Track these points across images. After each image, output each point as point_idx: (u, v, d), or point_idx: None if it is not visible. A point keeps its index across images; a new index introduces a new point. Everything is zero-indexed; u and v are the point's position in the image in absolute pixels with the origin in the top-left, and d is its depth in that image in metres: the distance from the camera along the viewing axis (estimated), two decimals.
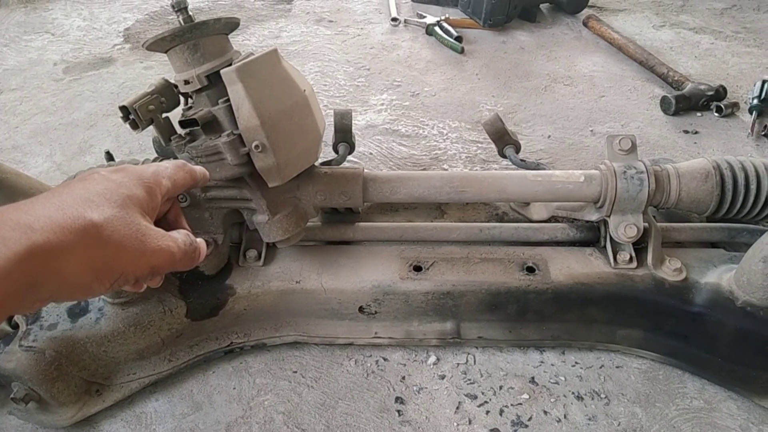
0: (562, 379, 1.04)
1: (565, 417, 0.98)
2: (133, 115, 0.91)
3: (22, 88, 2.00)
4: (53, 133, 1.75)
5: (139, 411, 1.01)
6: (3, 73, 2.10)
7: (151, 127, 0.94)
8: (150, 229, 0.52)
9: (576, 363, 1.06)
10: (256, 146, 0.87)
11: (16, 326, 0.99)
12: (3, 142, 1.72)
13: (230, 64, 0.88)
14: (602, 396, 1.01)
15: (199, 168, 0.64)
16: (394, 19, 2.38)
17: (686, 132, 1.70)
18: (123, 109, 0.91)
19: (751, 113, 1.70)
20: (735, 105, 1.77)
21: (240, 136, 0.87)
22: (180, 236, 0.55)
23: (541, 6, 2.43)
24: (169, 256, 0.53)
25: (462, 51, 2.13)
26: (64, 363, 0.96)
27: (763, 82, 1.71)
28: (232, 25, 0.94)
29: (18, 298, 0.43)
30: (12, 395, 0.92)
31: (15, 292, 0.42)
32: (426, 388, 1.03)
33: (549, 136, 1.68)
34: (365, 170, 1.07)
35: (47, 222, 0.45)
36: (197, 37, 0.88)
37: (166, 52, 0.91)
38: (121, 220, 0.49)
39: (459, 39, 2.18)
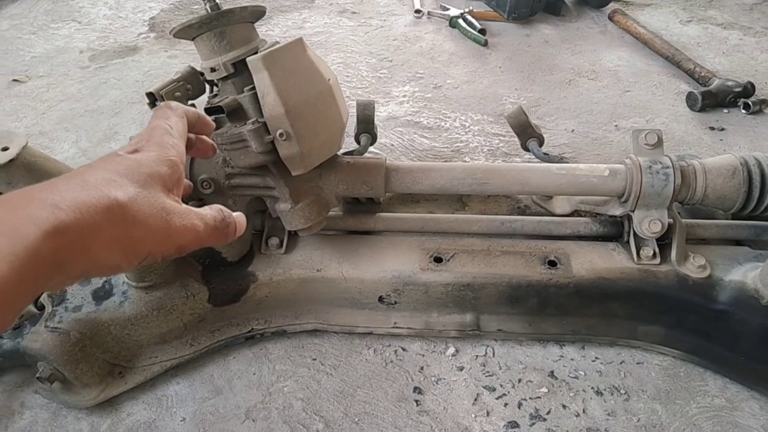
0: (582, 373, 1.03)
1: (584, 411, 0.98)
2: (160, 102, 0.92)
3: (49, 75, 2.02)
4: (79, 119, 1.78)
5: (160, 394, 1.03)
6: (31, 60, 2.13)
7: None
8: (174, 207, 0.52)
9: (596, 358, 1.06)
10: (281, 134, 0.87)
11: (42, 307, 1.01)
12: (31, 127, 1.74)
13: (256, 53, 0.88)
14: (622, 392, 1.00)
15: (191, 110, 0.62)
16: (417, 11, 2.37)
17: (712, 129, 1.67)
18: (150, 95, 0.92)
19: None
20: (763, 102, 1.73)
21: (265, 124, 0.88)
22: (210, 212, 0.55)
23: None
24: (194, 234, 0.52)
25: (485, 44, 2.12)
26: (88, 345, 0.98)
27: None
28: (258, 13, 0.94)
29: (47, 276, 0.43)
30: (37, 375, 0.94)
31: (44, 270, 0.43)
32: (444, 379, 1.03)
33: (573, 131, 1.67)
34: (388, 161, 1.07)
35: (73, 201, 0.45)
36: (224, 25, 0.89)
37: (192, 39, 0.92)
38: (145, 200, 0.49)
39: (482, 32, 2.16)
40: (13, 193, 0.45)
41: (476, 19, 2.23)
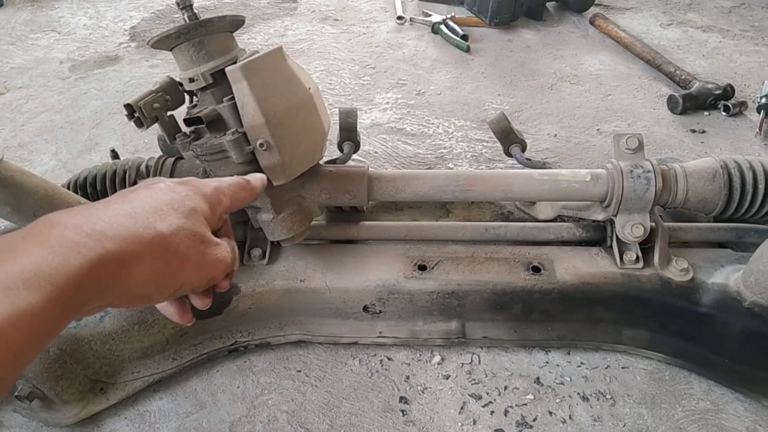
0: (568, 379, 1.03)
1: (570, 418, 0.98)
2: (138, 113, 0.91)
3: (29, 87, 2.00)
4: (59, 131, 1.76)
5: (143, 409, 1.01)
6: (9, 71, 2.11)
7: (156, 125, 0.94)
8: (212, 240, 0.53)
9: (581, 363, 1.06)
10: (261, 144, 0.87)
11: None
12: (9, 140, 1.72)
13: (235, 62, 0.88)
14: (608, 397, 1.00)
15: (258, 180, 0.65)
16: (399, 18, 2.37)
17: (693, 131, 1.69)
18: (128, 107, 0.91)
19: (759, 112, 1.68)
20: (743, 104, 1.75)
21: (245, 134, 0.87)
22: (230, 245, 0.57)
23: (548, 4, 2.42)
24: (225, 266, 0.54)
25: (468, 49, 2.13)
26: (69, 361, 0.96)
27: None
28: (237, 22, 0.94)
29: (84, 304, 0.43)
30: (16, 393, 0.92)
31: (83, 298, 0.42)
32: (430, 387, 1.03)
33: (555, 135, 1.68)
34: (370, 169, 1.06)
35: (120, 230, 0.45)
36: (202, 35, 0.88)
37: (171, 49, 0.91)
38: (187, 231, 0.50)
39: (465, 37, 2.17)
40: (58, 215, 0.44)
41: (458, 24, 2.24)
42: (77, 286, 0.41)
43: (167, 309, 0.57)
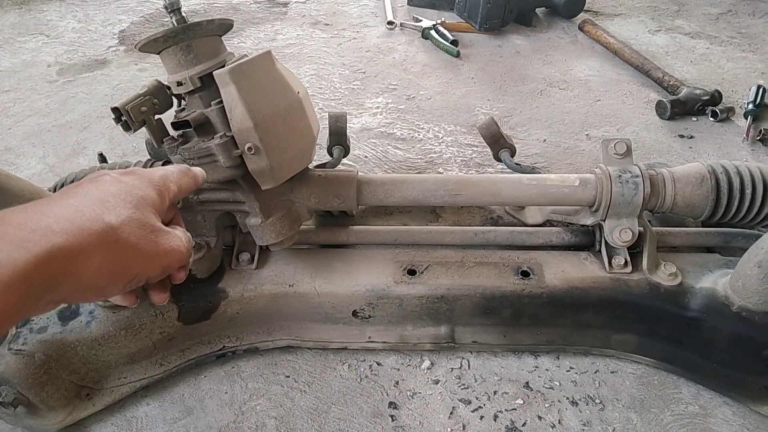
0: (557, 384, 1.03)
1: (559, 422, 0.98)
2: (126, 117, 0.90)
3: (16, 90, 1.98)
4: (46, 134, 1.74)
5: (129, 415, 1.00)
6: None
7: (144, 129, 0.93)
8: (162, 229, 0.53)
9: (571, 368, 1.06)
10: (249, 148, 0.86)
11: None
12: None
13: (223, 66, 0.87)
14: (597, 401, 1.00)
15: (198, 170, 0.65)
16: (389, 23, 2.37)
17: (681, 136, 1.70)
18: (115, 110, 0.90)
19: (746, 118, 1.70)
20: (730, 110, 1.77)
21: (233, 138, 0.87)
22: (184, 235, 0.56)
23: (537, 10, 2.43)
24: (179, 255, 0.54)
25: (458, 55, 2.13)
26: (54, 366, 0.95)
27: (758, 87, 1.72)
28: (226, 26, 0.93)
29: (35, 300, 0.43)
30: (0, 399, 0.91)
31: (33, 294, 0.42)
32: (420, 393, 1.02)
33: (544, 140, 1.68)
34: (360, 173, 1.06)
35: (66, 224, 0.45)
36: (190, 39, 0.88)
37: (159, 53, 0.90)
38: (136, 221, 0.50)
39: (455, 43, 2.17)
40: (2, 213, 0.44)
41: (448, 30, 2.25)
42: (24, 281, 0.41)
43: None
